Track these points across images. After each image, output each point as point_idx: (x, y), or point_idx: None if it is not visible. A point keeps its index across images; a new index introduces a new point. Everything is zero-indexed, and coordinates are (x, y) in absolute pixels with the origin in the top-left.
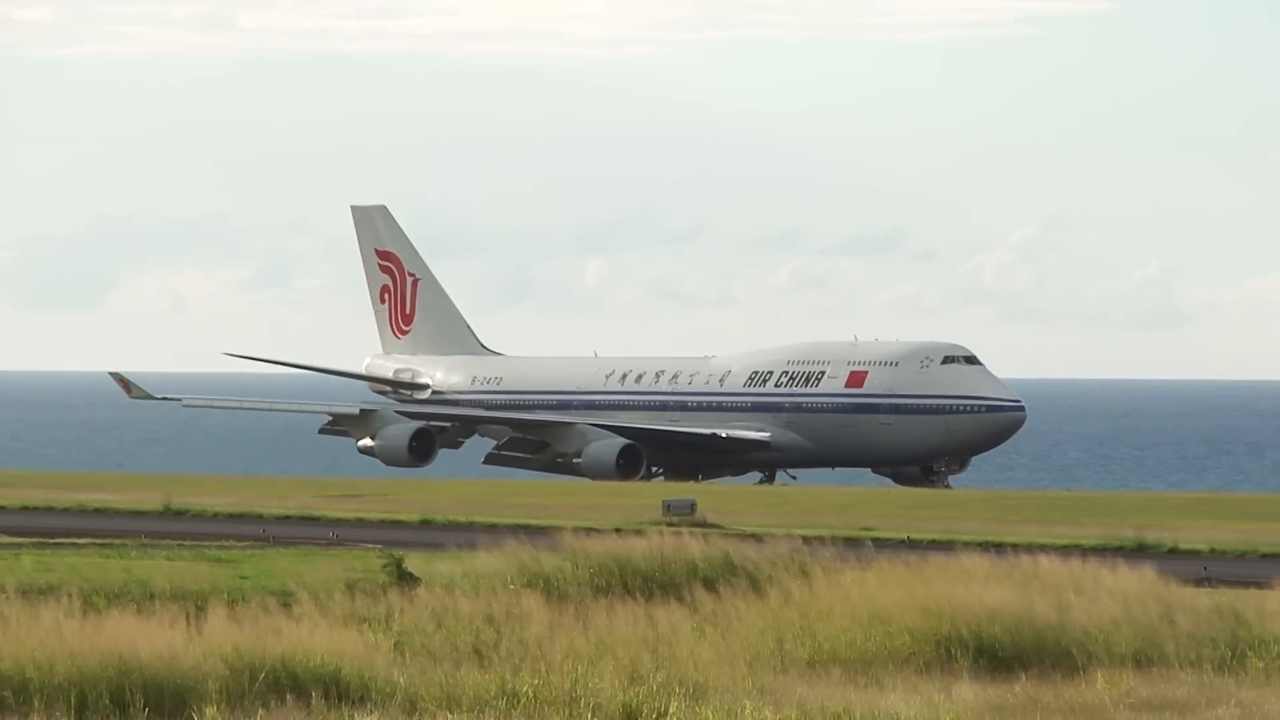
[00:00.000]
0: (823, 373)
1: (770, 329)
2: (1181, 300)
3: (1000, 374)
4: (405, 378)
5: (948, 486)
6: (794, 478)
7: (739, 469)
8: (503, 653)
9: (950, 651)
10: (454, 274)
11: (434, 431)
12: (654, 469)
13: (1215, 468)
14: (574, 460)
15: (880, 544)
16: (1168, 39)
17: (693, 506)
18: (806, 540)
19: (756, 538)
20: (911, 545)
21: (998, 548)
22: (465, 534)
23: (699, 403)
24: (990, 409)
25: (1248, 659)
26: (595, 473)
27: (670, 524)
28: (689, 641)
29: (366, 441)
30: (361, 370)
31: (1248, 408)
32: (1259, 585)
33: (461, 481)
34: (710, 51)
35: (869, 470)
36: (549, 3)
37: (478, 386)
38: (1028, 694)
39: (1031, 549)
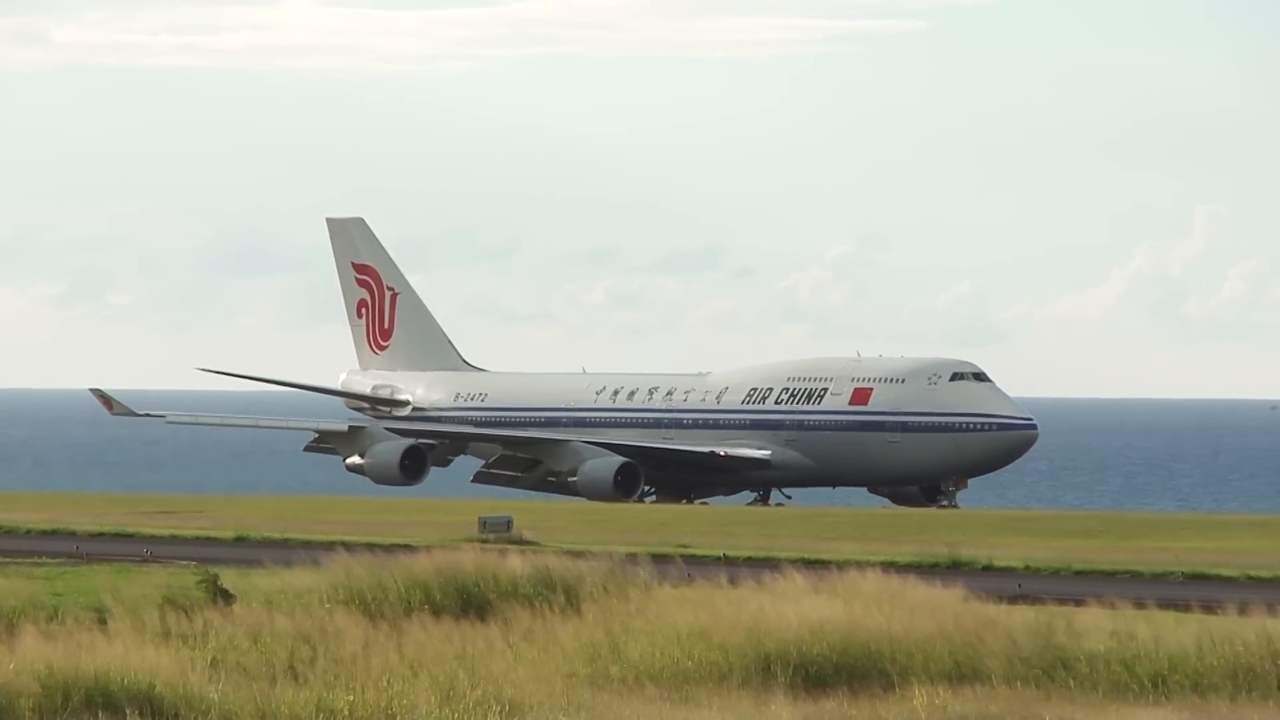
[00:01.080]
0: (825, 389)
1: (585, 346)
2: (995, 317)
3: None
4: (384, 394)
5: (955, 506)
6: (789, 497)
7: (733, 488)
8: (318, 670)
9: (767, 668)
10: (266, 290)
11: (426, 449)
12: (646, 488)
13: (1017, 484)
14: (569, 479)
15: (697, 561)
16: (981, 57)
17: (509, 524)
18: (624, 558)
19: (574, 555)
20: (728, 562)
21: (814, 565)
22: (281, 550)
23: (695, 420)
24: (1001, 427)
25: (1062, 675)
26: (592, 492)
27: (487, 541)
28: (505, 659)
29: (355, 459)
30: (337, 386)
31: (1059, 423)
32: (1073, 602)
33: (276, 498)
34: (526, 68)
35: (865, 490)
36: (363, 19)
37: (461, 403)
38: (844, 711)
39: (848, 566)
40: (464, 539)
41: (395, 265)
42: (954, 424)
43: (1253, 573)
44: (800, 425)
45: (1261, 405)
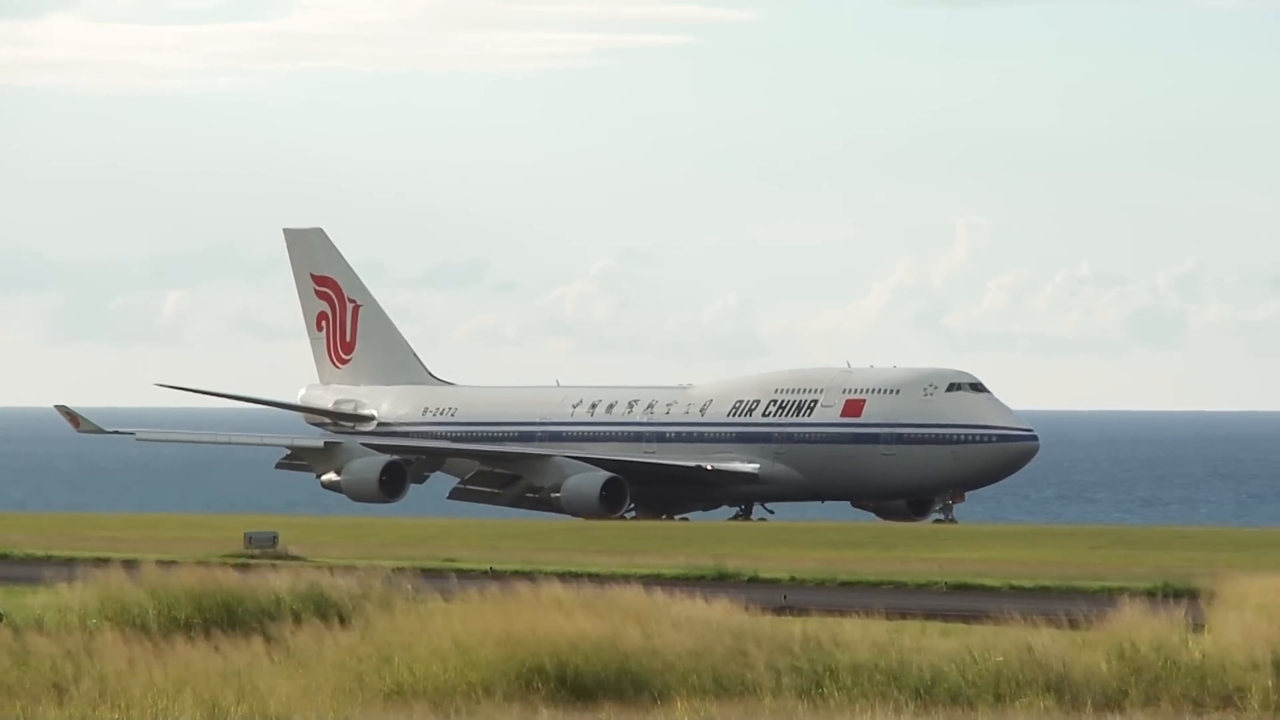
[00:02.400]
0: (815, 401)
1: None
2: (760, 331)
3: None
4: (347, 409)
5: (953, 520)
6: (771, 512)
7: (713, 503)
8: (82, 688)
9: (532, 682)
10: (23, 308)
11: (405, 465)
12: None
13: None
14: (551, 495)
15: (463, 575)
16: (745, 72)
17: (275, 539)
18: (389, 572)
19: (341, 570)
20: (494, 576)
21: (580, 578)
22: (42, 567)
23: (678, 433)
24: (1001, 438)
25: (827, 687)
26: (576, 508)
27: (252, 557)
28: (270, 674)
29: (331, 476)
30: (297, 401)
31: None
32: (838, 613)
33: (36, 515)
34: (291, 83)
35: (849, 504)
36: (124, 33)
37: (430, 418)
38: None
39: (614, 579)
40: (230, 555)
41: (357, 277)
42: (952, 435)
43: (1015, 582)
44: (789, 438)
45: (1022, 416)
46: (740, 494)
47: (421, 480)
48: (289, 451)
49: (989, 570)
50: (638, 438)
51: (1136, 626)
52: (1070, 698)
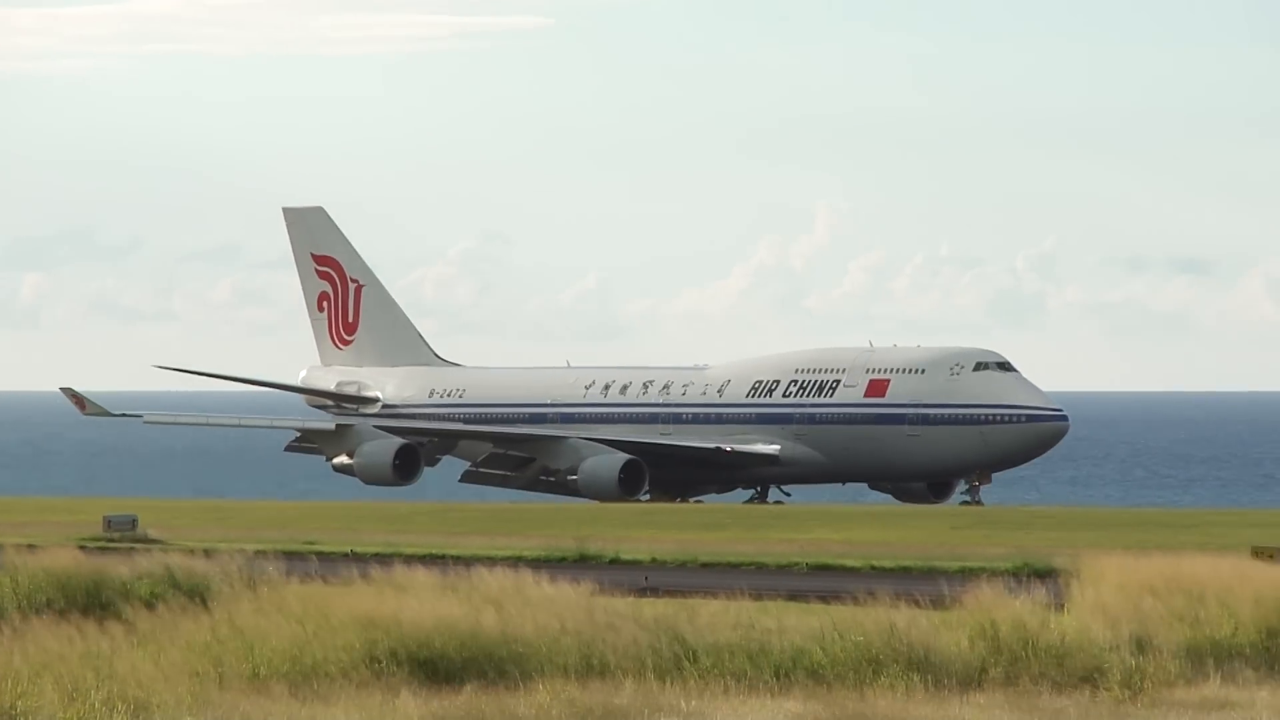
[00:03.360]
0: (838, 381)
1: (209, 343)
2: (620, 312)
3: None
4: (350, 391)
5: (980, 503)
6: (788, 495)
7: (727, 486)
8: None
9: (394, 665)
10: None
11: (418, 448)
12: None
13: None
14: (568, 478)
15: (324, 557)
16: (606, 54)
17: (134, 522)
18: (250, 555)
19: (201, 553)
20: (355, 558)
21: (441, 560)
22: None
23: (695, 415)
24: (1030, 419)
25: (689, 668)
26: (594, 491)
27: (112, 540)
28: (130, 658)
29: (343, 459)
30: (298, 382)
31: None
32: (700, 594)
33: None
34: (148, 66)
35: (866, 485)
36: None
37: (436, 400)
38: (471, 706)
39: (476, 561)
40: (90, 539)
41: (360, 257)
42: (980, 416)
43: (876, 563)
44: (811, 419)
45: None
46: (760, 476)
47: (433, 463)
48: (298, 435)
49: (850, 551)
50: (653, 419)
51: (997, 606)
52: (931, 677)
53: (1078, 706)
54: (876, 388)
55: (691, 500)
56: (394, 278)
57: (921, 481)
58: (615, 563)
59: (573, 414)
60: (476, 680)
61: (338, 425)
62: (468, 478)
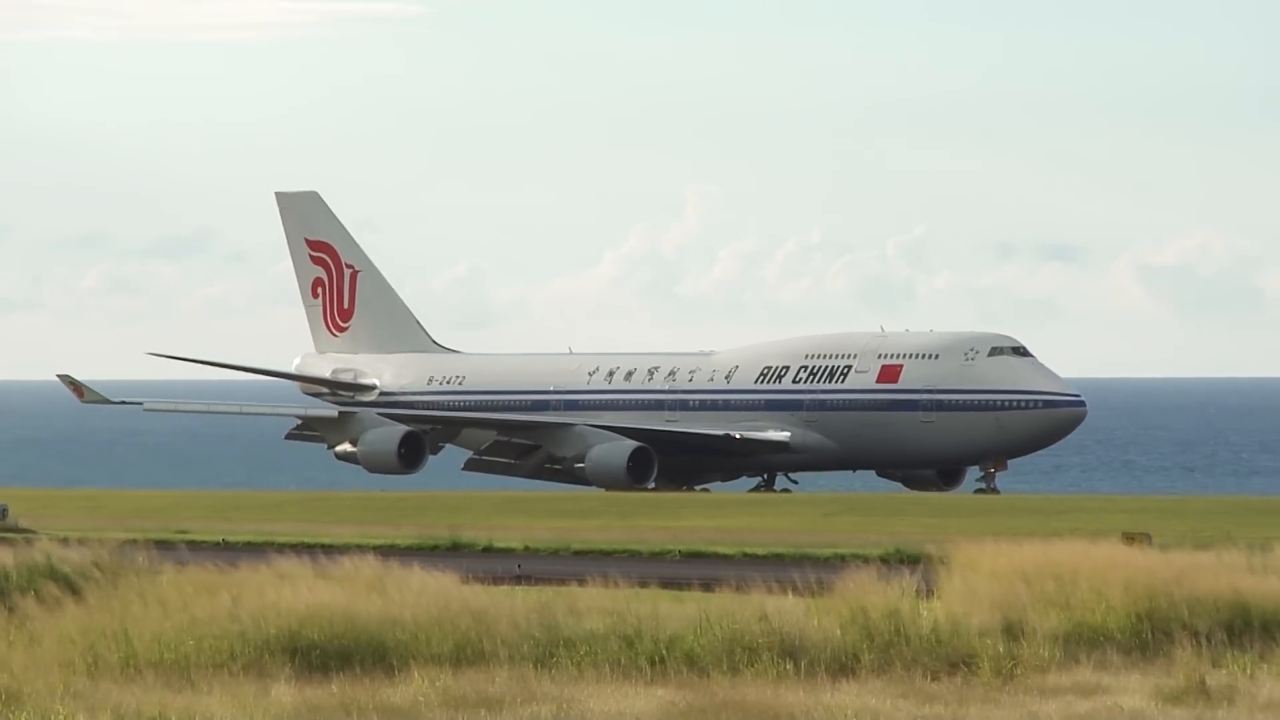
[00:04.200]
0: (849, 367)
1: (77, 331)
2: (492, 299)
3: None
4: (346, 378)
5: (995, 490)
6: (795, 482)
7: (733, 473)
8: None
9: (267, 653)
10: None
11: (424, 435)
12: None
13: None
14: (575, 465)
15: (196, 546)
16: (478, 39)
17: (4, 511)
18: (120, 544)
19: (72, 542)
20: (227, 547)
21: (314, 549)
22: None
23: (702, 401)
24: (1047, 404)
25: (563, 656)
26: (602, 479)
27: None
28: (0, 648)
29: (346, 447)
30: (292, 369)
31: None
32: (574, 582)
33: None
34: (18, 53)
35: (874, 472)
36: None
37: (435, 387)
38: (344, 694)
39: (348, 550)
40: None
41: (355, 242)
42: (996, 402)
43: (748, 550)
44: (822, 405)
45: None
46: (770, 463)
47: (436, 451)
48: (300, 422)
49: (723, 538)
50: (659, 406)
51: (869, 593)
52: (804, 664)
53: (950, 693)
54: (889, 373)
55: (697, 488)
56: (263, 265)
57: (935, 468)
58: (488, 551)
59: (576, 401)
60: (351, 669)
61: (341, 413)
62: (471, 466)
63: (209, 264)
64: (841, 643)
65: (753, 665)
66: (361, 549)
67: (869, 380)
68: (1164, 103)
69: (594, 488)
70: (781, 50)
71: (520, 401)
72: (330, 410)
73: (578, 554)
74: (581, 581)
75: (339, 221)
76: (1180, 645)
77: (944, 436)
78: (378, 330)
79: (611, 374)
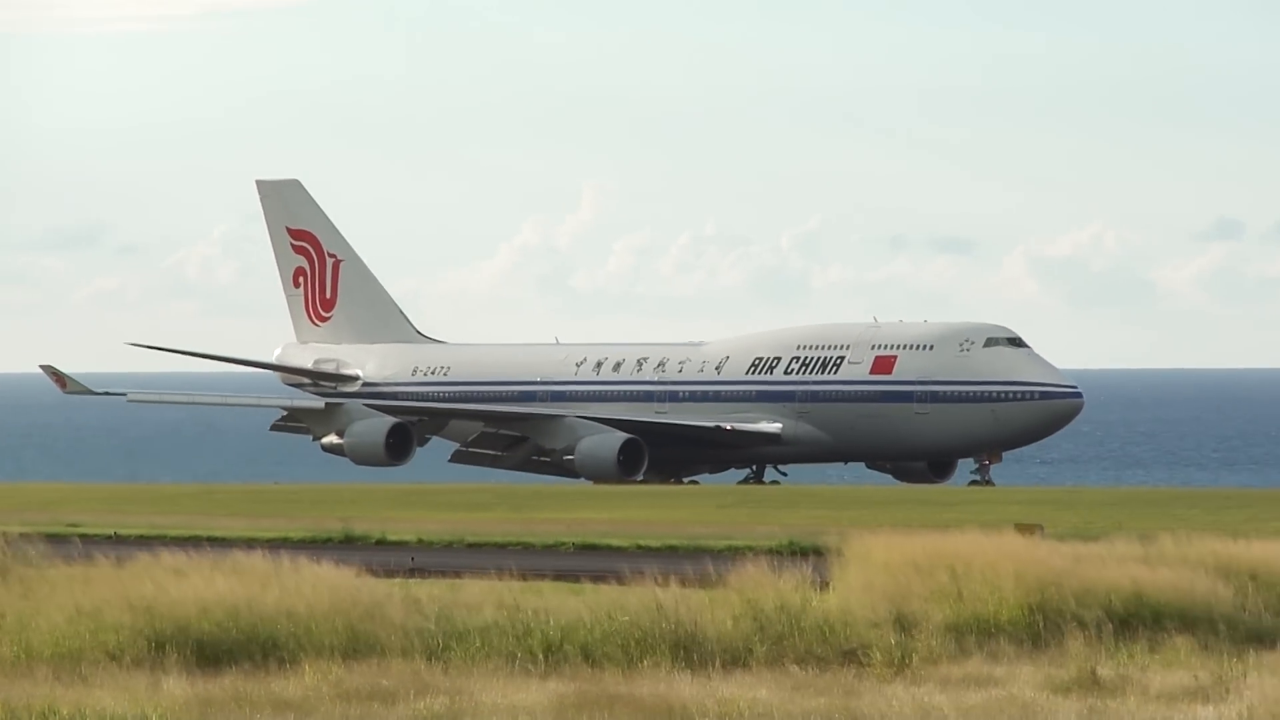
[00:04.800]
0: (842, 358)
1: None
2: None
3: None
4: (328, 368)
5: (989, 482)
6: (784, 474)
7: (721, 465)
8: None
9: (160, 647)
10: None
11: (412, 427)
12: None
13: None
14: (564, 458)
15: (87, 540)
16: (367, 31)
17: None
18: (11, 538)
19: None
20: (119, 541)
21: (205, 542)
22: None
23: (692, 393)
24: (1044, 395)
25: (456, 649)
26: (592, 471)
27: None
28: None
29: (332, 439)
30: (273, 360)
31: None
32: (467, 574)
33: None
34: None
35: (864, 465)
36: None
37: (420, 378)
38: (237, 687)
39: (240, 543)
40: None
41: (337, 230)
42: (992, 393)
43: (642, 542)
44: (814, 396)
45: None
46: (760, 455)
47: (423, 443)
48: (285, 414)
49: (616, 530)
50: (648, 397)
51: (762, 585)
52: (698, 656)
53: (842, 684)
54: (883, 364)
55: (685, 481)
56: (154, 258)
57: (931, 460)
58: (381, 544)
59: (564, 392)
60: (243, 662)
61: (327, 404)
62: (458, 458)
63: (99, 257)
64: (734, 635)
65: (646, 658)
66: (254, 542)
67: (862, 371)
68: (1057, 96)
69: (583, 480)
70: (676, 43)
71: (507, 392)
72: (316, 401)
73: (471, 547)
74: (475, 574)
75: (321, 210)
76: (1072, 636)
77: (939, 428)
78: (361, 320)
79: (600, 365)
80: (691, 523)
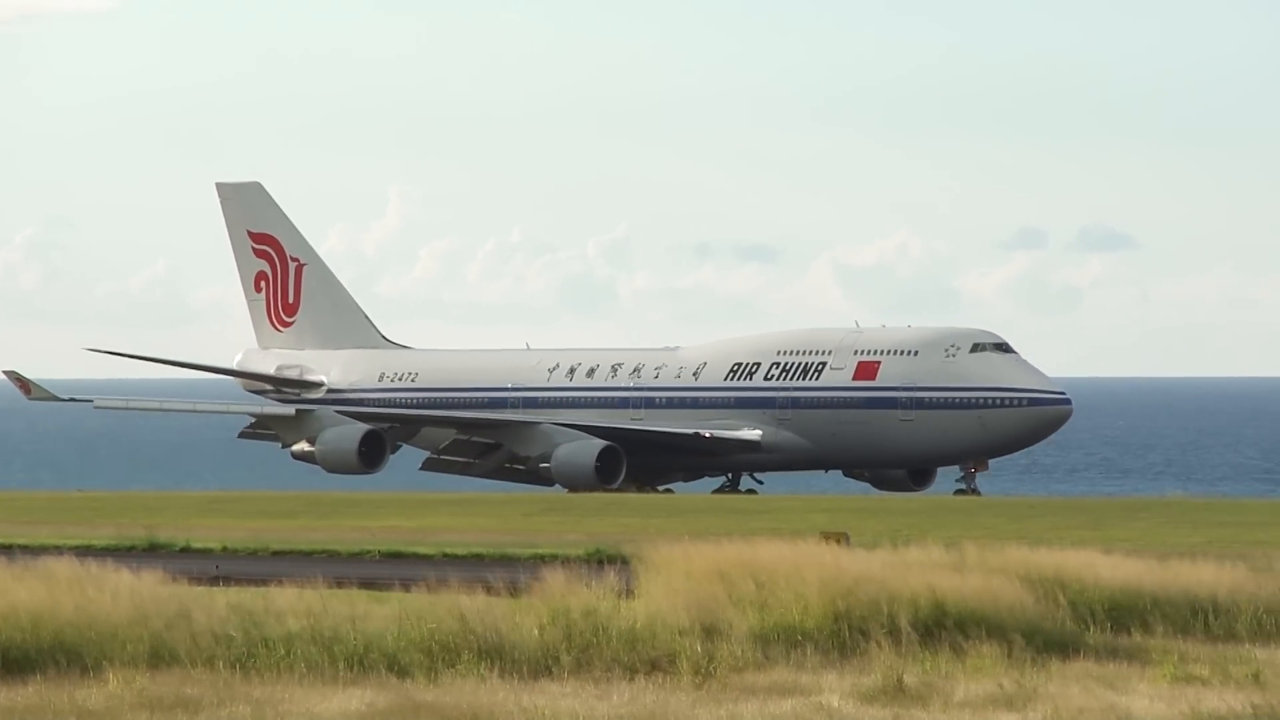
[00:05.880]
0: (824, 364)
1: None
2: (191, 299)
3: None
4: (292, 374)
5: (976, 491)
6: (760, 483)
7: (695, 473)
8: None
9: None
10: None
11: (385, 434)
12: None
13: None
14: (540, 465)
15: None
16: (171, 37)
17: None
18: None
19: None
20: None
21: (9, 549)
22: None
23: (670, 399)
24: (1032, 402)
25: (262, 657)
26: (568, 479)
27: None
28: None
29: (303, 446)
30: (234, 366)
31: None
32: (273, 583)
33: None
34: None
35: (840, 473)
36: None
37: (387, 384)
38: (40, 696)
39: (44, 550)
40: None
41: (300, 234)
42: (978, 399)
43: (448, 550)
44: (795, 403)
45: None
46: (740, 463)
47: (394, 450)
48: (253, 420)
49: (422, 538)
50: (623, 403)
51: (568, 593)
52: (505, 664)
53: (649, 693)
54: (866, 370)
55: (659, 489)
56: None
57: (916, 468)
58: (186, 551)
59: (536, 399)
60: (47, 670)
61: (298, 410)
62: (429, 465)
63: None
64: (541, 643)
65: (453, 666)
66: (58, 549)
67: (845, 377)
68: (864, 106)
69: (558, 488)
70: (482, 49)
71: (477, 399)
72: (287, 408)
73: (277, 554)
74: (280, 582)
75: (283, 213)
76: (877, 644)
77: (924, 436)
78: (324, 325)
79: (573, 370)
80: (497, 530)
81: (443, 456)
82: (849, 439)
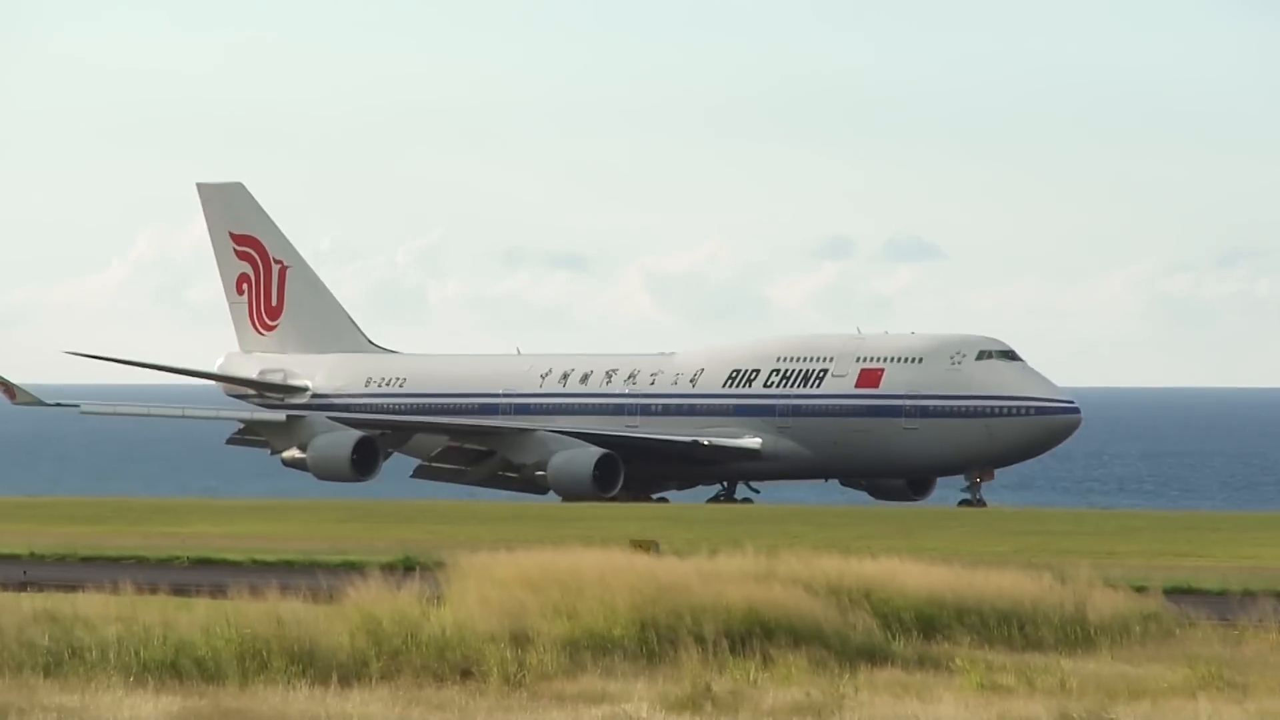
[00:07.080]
0: (825, 370)
1: None
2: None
3: None
4: (275, 379)
5: (981, 501)
6: (757, 491)
7: (692, 482)
8: None
9: None
10: None
11: (378, 441)
12: None
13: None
14: (535, 473)
15: None
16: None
17: None
18: None
19: None
20: None
21: None
22: None
23: (666, 406)
24: (1040, 411)
25: (72, 664)
26: (565, 487)
27: None
28: None
29: (294, 453)
30: (215, 369)
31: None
32: (81, 588)
33: None
34: None
35: (838, 482)
36: None
37: (374, 389)
38: None
39: None
40: None
41: (284, 235)
42: (985, 408)
43: (258, 556)
44: (796, 410)
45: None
46: (738, 472)
47: (385, 457)
48: (242, 426)
49: (232, 545)
50: (618, 410)
51: (378, 600)
52: (315, 670)
53: (458, 700)
54: (869, 377)
55: (654, 498)
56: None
57: (917, 478)
58: None
59: (528, 405)
60: None
61: (289, 416)
62: (420, 473)
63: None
64: (351, 649)
65: (263, 672)
66: None
67: (847, 385)
68: (674, 114)
69: (552, 496)
70: (295, 53)
71: (467, 405)
72: (277, 414)
73: (85, 560)
74: (89, 588)
75: (266, 214)
76: (686, 652)
77: (929, 445)
78: (309, 329)
79: (566, 376)
80: (307, 537)
81: (434, 464)
82: (851, 447)
